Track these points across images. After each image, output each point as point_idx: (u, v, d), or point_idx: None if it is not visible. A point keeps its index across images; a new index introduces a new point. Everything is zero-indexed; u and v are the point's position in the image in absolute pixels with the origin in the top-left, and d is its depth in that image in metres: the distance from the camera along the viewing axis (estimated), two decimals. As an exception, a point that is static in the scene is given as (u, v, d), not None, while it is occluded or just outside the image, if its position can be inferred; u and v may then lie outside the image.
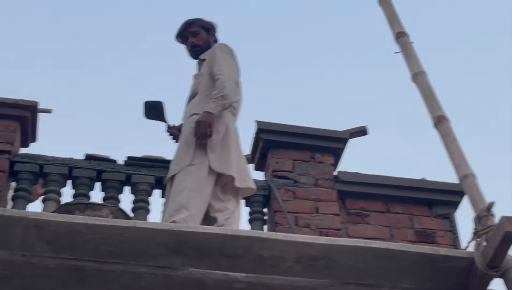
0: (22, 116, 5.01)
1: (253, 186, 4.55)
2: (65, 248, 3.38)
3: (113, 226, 3.32)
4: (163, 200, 4.99)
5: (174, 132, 4.88)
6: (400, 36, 4.57)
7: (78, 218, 3.35)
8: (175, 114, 5.08)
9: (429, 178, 5.46)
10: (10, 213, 3.27)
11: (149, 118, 5.00)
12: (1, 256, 3.41)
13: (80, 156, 5.06)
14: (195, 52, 4.96)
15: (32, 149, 5.26)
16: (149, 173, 5.00)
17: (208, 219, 4.24)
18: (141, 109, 5.02)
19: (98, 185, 4.99)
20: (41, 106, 5.17)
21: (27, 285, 3.67)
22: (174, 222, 3.91)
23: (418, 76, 4.32)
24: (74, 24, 13.35)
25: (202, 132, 4.31)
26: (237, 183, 4.35)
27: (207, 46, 4.91)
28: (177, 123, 4.99)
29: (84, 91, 13.34)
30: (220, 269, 3.50)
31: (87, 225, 3.28)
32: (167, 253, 3.41)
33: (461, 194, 4.87)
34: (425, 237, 5.13)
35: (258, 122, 5.26)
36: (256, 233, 3.53)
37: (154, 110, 4.97)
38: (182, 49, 5.16)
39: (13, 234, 3.29)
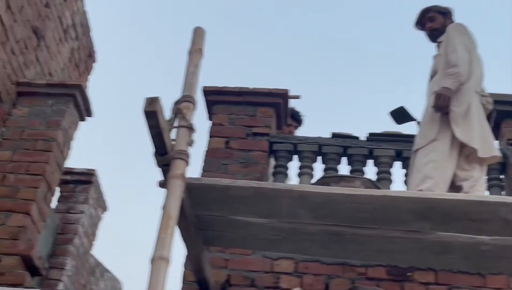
0: (276, 103, 5.21)
1: (497, 153, 4.37)
2: (325, 216, 3.46)
3: (366, 195, 3.33)
4: (403, 171, 4.96)
5: None
6: None
7: (336, 189, 3.41)
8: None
9: None
10: (279, 187, 3.41)
11: (400, 124, 4.98)
12: (272, 223, 3.59)
13: (327, 134, 5.17)
14: (433, 36, 4.85)
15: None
16: (389, 147, 4.98)
17: (455, 188, 4.17)
18: (375, 88, 5.01)
19: (344, 159, 5.06)
20: (290, 93, 5.34)
21: (293, 248, 3.84)
22: (420, 190, 3.87)
23: None
24: (318, 19, 13.68)
25: (441, 104, 4.24)
26: (480, 154, 4.21)
27: (444, 29, 4.78)
28: None
29: (328, 77, 13.65)
30: (467, 233, 3.40)
31: (344, 195, 3.32)
32: (416, 218, 3.37)
33: None
34: None
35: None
36: (502, 198, 3.37)
37: (400, 116, 4.95)
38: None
39: (281, 204, 3.42)
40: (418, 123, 4.84)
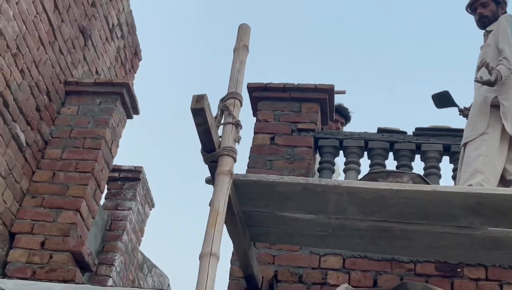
0: (321, 98, 5.18)
1: None
2: (373, 211, 3.42)
3: (415, 191, 3.29)
4: (451, 166, 4.88)
5: (467, 113, 4.70)
6: None
7: (383, 184, 3.37)
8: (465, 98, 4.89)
9: None
10: (326, 182, 3.38)
11: (441, 108, 4.87)
12: (319, 219, 3.58)
13: (373, 130, 5.13)
14: (482, 22, 4.74)
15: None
16: (437, 142, 4.90)
17: (504, 182, 4.09)
18: (418, 83, 4.93)
19: (391, 154, 5.00)
20: (335, 88, 5.30)
21: (341, 244, 3.82)
22: (470, 185, 3.80)
23: None
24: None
25: (493, 81, 4.15)
26: None
27: (495, 18, 4.67)
28: (467, 105, 4.79)
29: (370, 72, 13.57)
30: (518, 228, 3.33)
31: (392, 191, 3.28)
32: (466, 214, 3.31)
33: None
34: None
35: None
36: (554, 193, 3.28)
37: (442, 100, 4.85)
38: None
39: (328, 200, 3.40)
40: (460, 110, 4.75)
